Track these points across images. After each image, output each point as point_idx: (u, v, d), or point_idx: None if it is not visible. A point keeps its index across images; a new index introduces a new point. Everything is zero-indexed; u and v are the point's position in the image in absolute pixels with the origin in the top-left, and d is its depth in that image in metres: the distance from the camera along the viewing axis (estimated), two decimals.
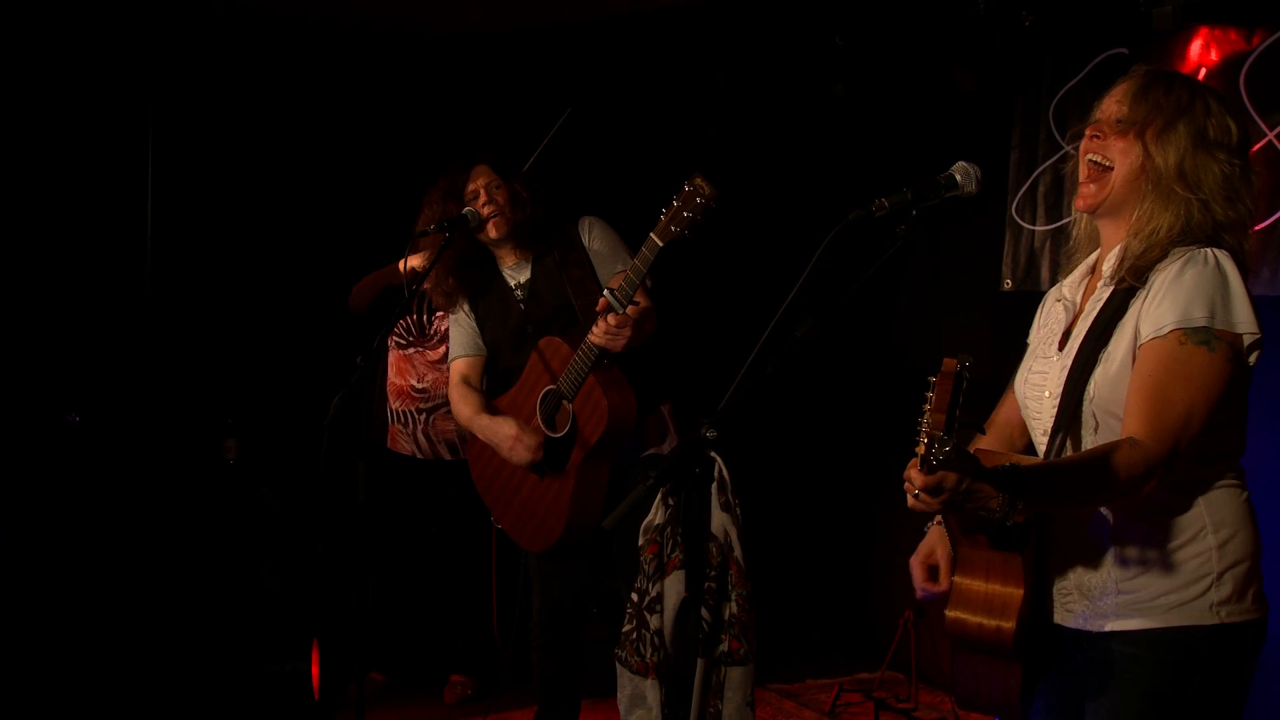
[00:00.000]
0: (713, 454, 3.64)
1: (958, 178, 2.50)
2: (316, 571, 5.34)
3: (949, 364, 2.04)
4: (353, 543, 4.75)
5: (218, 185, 5.99)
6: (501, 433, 4.16)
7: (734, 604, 3.60)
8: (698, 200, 3.58)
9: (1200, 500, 2.37)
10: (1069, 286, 2.58)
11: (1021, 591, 2.35)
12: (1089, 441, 2.40)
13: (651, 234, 3.68)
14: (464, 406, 4.30)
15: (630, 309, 3.83)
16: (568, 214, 4.31)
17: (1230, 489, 2.40)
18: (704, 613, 3.57)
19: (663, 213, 3.65)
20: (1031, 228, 5.03)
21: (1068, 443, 2.43)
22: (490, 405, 4.28)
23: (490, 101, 6.43)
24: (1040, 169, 4.99)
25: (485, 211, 4.14)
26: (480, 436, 4.26)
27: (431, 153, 4.51)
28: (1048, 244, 4.96)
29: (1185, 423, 2.25)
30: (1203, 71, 4.52)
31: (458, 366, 4.37)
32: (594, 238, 4.23)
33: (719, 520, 3.67)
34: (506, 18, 6.06)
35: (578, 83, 6.28)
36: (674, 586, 3.61)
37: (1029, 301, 2.78)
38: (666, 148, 6.19)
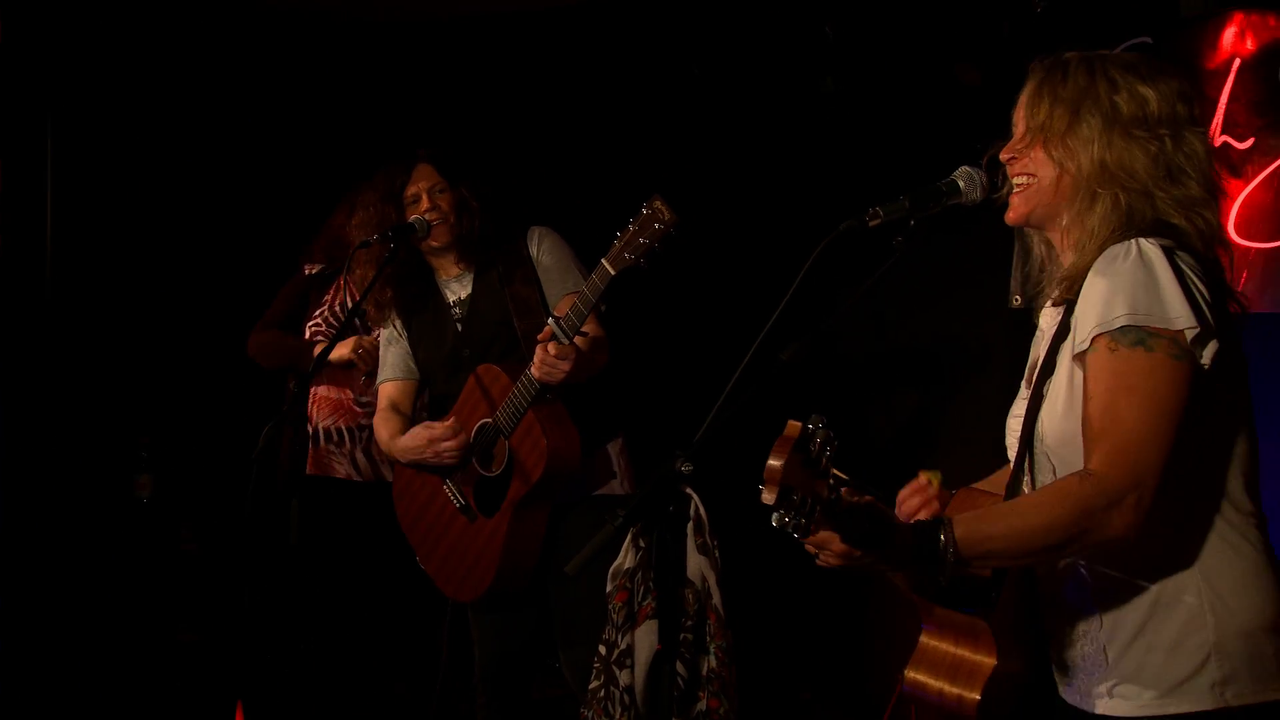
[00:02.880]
0: (688, 490, 3.69)
1: (961, 184, 2.53)
2: (241, 625, 5.31)
3: (792, 427, 2.02)
4: (284, 591, 4.75)
5: (126, 188, 5.96)
6: (418, 440, 4.16)
7: (713, 658, 3.64)
8: (656, 226, 3.61)
9: (1191, 550, 2.25)
10: (1044, 313, 2.53)
11: (993, 661, 2.31)
12: None
13: (603, 260, 3.71)
14: (384, 429, 4.31)
15: (578, 339, 3.85)
16: (517, 222, 4.33)
17: (1233, 533, 2.27)
18: (679, 667, 3.60)
19: (617, 237, 3.68)
20: None
21: (1024, 491, 2.40)
22: None
23: (434, 95, 6.45)
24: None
25: (428, 218, 4.17)
26: (402, 459, 4.28)
27: (371, 152, 4.52)
28: None
29: (1145, 441, 2.13)
30: (1237, 62, 4.56)
31: (387, 391, 4.38)
32: (543, 251, 4.25)
33: (695, 564, 3.71)
34: (457, 4, 6.09)
35: (534, 74, 6.32)
36: (646, 638, 3.64)
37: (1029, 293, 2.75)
38: (634, 148, 6.22)
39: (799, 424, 2.01)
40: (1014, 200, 2.45)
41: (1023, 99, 2.45)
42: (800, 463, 1.99)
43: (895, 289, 5.66)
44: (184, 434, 5.96)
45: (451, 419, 4.14)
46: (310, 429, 5.17)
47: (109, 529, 5.74)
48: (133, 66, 5.90)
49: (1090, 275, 2.25)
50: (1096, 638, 2.31)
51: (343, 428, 5.15)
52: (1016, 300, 5.10)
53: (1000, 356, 5.23)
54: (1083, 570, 2.33)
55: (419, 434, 4.17)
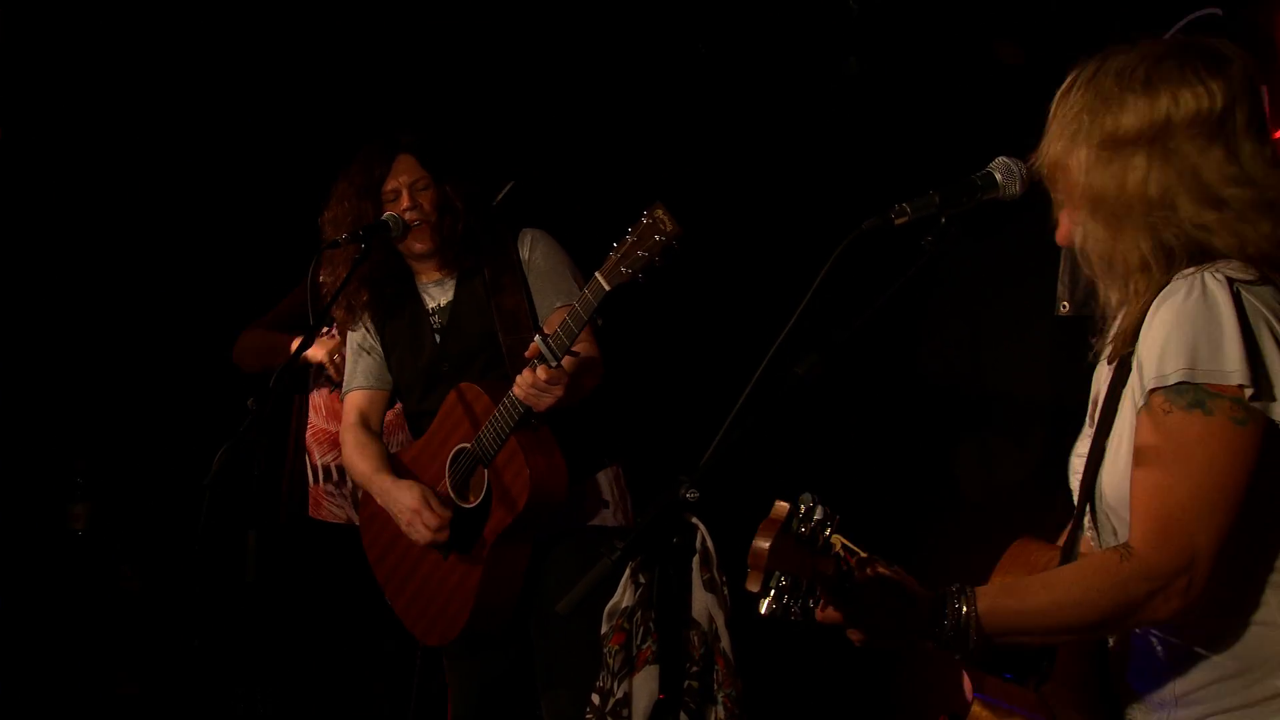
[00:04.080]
0: (694, 520, 3.72)
1: (998, 177, 2.55)
2: (191, 673, 5.33)
3: (778, 509, 2.06)
4: (241, 636, 4.76)
5: (57, 185, 5.96)
6: (400, 502, 4.23)
7: (721, 707, 3.67)
8: (656, 238, 3.63)
9: (1278, 616, 2.22)
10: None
11: None
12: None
13: (597, 274, 3.74)
14: (360, 459, 4.37)
15: (567, 360, 3.89)
16: (506, 223, 4.36)
17: None
18: (684, 718, 3.63)
19: (613, 248, 3.71)
20: None
21: (1081, 549, 2.42)
22: (393, 458, 4.36)
23: (410, 71, 6.45)
24: None
25: (407, 218, 4.20)
26: (377, 499, 4.34)
27: (342, 148, 4.52)
28: None
29: (1197, 518, 2.12)
30: None
31: (355, 401, 4.44)
32: (536, 257, 4.30)
33: (702, 602, 3.74)
34: None
35: (521, 52, 6.33)
36: (645, 685, 3.67)
37: (1092, 328, 2.70)
38: (631, 136, 6.23)
39: (786, 505, 2.06)
40: (1060, 219, 2.47)
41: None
42: (792, 545, 2.04)
43: (924, 295, 5.70)
44: (124, 458, 5.96)
45: (446, 516, 4.17)
46: (310, 465, 5.18)
47: (39, 565, 5.73)
48: (68, 56, 5.90)
49: (1149, 315, 2.24)
50: (1172, 715, 2.31)
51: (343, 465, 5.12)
52: (1064, 307, 5.15)
53: (1043, 372, 5.25)
54: (1152, 639, 2.33)
55: (409, 497, 4.21)
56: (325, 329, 4.88)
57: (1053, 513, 2.75)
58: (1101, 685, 2.42)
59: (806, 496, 2.08)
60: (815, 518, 2.07)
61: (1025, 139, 2.70)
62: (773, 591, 2.01)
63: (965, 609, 2.19)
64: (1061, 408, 2.67)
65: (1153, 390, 2.18)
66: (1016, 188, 2.55)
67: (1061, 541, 2.57)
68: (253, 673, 5.30)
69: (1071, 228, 2.41)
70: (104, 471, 5.88)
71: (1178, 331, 2.17)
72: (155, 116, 6.08)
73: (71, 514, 5.80)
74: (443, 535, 4.17)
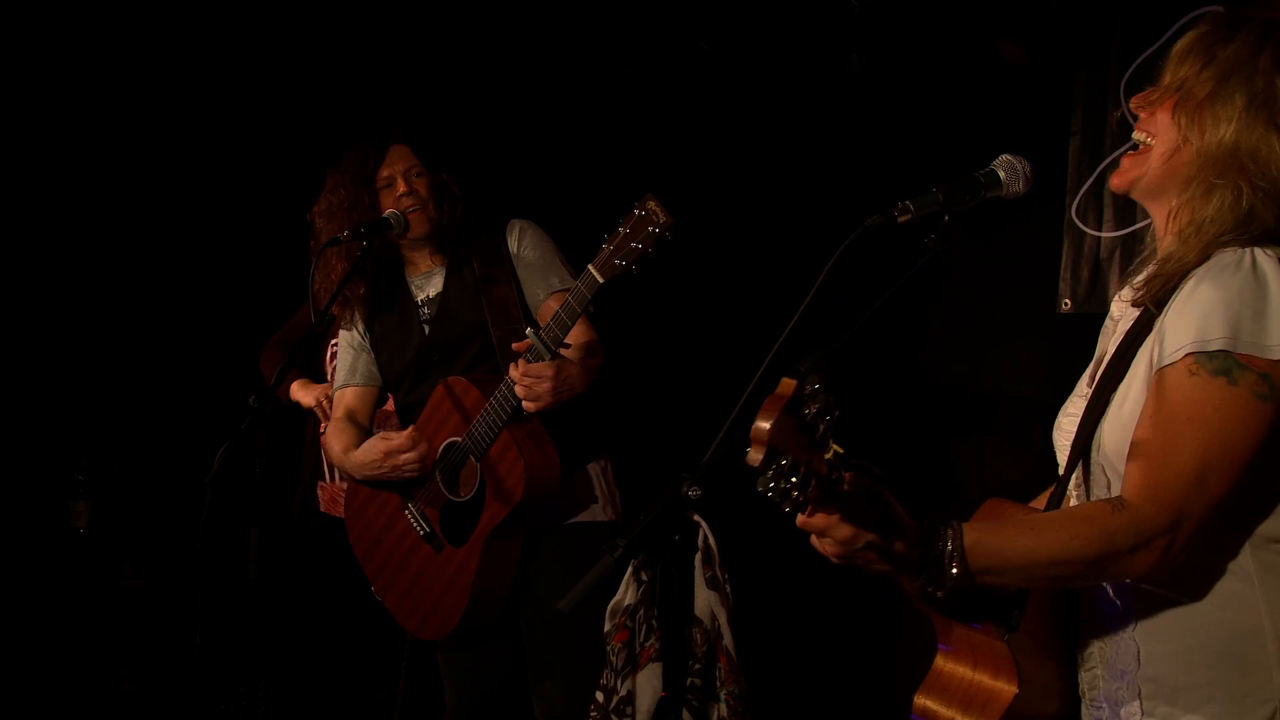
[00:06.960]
0: (696, 517, 3.73)
1: (1001, 174, 2.52)
2: (192, 672, 5.33)
3: (785, 384, 2.02)
4: (242, 634, 4.77)
5: (55, 180, 5.94)
6: (373, 454, 4.22)
7: (723, 705, 3.67)
8: (649, 229, 3.69)
9: (1256, 585, 2.23)
10: (1118, 301, 2.53)
11: (1013, 689, 2.33)
12: None
13: (589, 266, 3.79)
14: (337, 442, 4.37)
15: (563, 351, 3.93)
16: (495, 215, 4.37)
17: None
18: (686, 716, 3.64)
19: (605, 240, 3.76)
20: (1097, 234, 5.07)
21: (1072, 503, 2.41)
22: None
23: (402, 66, 6.44)
24: (1108, 160, 5.01)
25: (403, 205, 4.22)
26: (357, 476, 4.35)
27: (337, 141, 4.53)
28: (1117, 254, 4.97)
29: (1194, 482, 2.13)
30: None
31: (345, 398, 4.44)
32: (525, 247, 4.32)
33: (704, 600, 3.75)
34: None
35: (518, 47, 6.33)
36: (648, 683, 3.68)
37: (1094, 325, 2.75)
38: (633, 133, 6.23)
39: (793, 384, 2.00)
40: (1124, 162, 2.45)
41: (1176, 49, 2.42)
42: (794, 428, 1.98)
43: (927, 293, 5.70)
44: (126, 455, 5.96)
45: (411, 429, 4.19)
46: (326, 464, 5.19)
47: (41, 563, 5.74)
48: (67, 47, 5.90)
49: (1192, 281, 2.24)
50: (1134, 671, 2.31)
51: None
52: (1066, 304, 5.15)
53: (1044, 368, 5.25)
54: (1122, 591, 2.33)
55: (374, 446, 4.22)
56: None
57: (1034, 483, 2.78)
58: (1065, 634, 2.42)
59: (813, 377, 2.01)
60: (818, 404, 2.00)
61: (1028, 136, 2.69)
62: (772, 470, 1.95)
63: (950, 544, 2.17)
64: (1055, 400, 2.65)
65: (1186, 354, 2.17)
66: (1020, 186, 2.52)
67: (1044, 502, 2.58)
68: (254, 671, 5.31)
69: (1156, 168, 2.39)
70: (105, 469, 5.88)
71: (1222, 303, 2.17)
72: (152, 115, 6.08)
73: (73, 512, 5.80)
74: (424, 449, 4.15)
